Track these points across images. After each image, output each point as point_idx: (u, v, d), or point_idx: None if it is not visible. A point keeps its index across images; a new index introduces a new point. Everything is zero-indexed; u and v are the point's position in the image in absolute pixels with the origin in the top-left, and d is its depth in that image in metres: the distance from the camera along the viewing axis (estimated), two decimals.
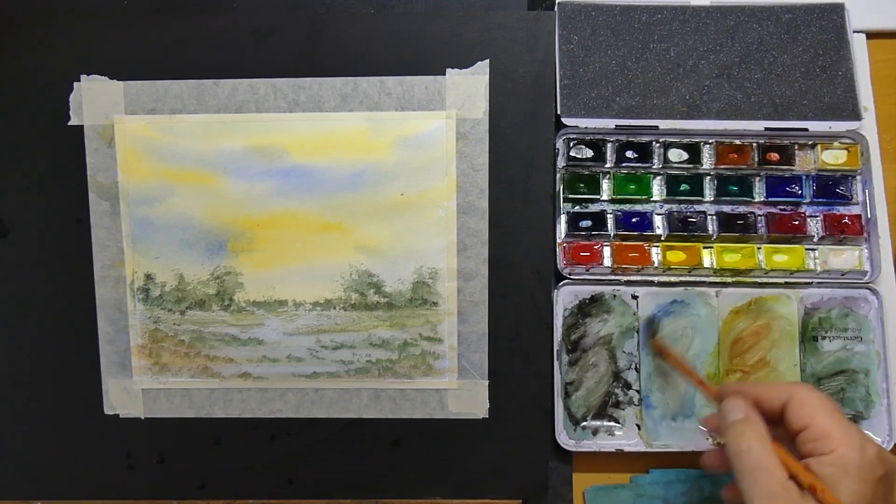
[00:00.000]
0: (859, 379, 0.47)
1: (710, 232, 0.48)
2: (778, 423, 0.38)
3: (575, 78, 0.49)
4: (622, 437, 0.47)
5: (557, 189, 0.48)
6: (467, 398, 0.48)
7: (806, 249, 0.48)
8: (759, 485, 0.35)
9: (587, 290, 0.48)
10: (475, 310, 0.48)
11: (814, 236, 0.48)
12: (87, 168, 0.48)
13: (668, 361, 0.46)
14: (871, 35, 0.50)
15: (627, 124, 0.48)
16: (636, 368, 0.48)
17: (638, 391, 0.48)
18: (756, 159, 0.48)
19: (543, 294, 0.48)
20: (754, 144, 0.48)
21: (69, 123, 0.48)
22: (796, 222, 0.48)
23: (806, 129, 0.48)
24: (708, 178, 0.49)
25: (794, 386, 0.38)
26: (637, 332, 0.48)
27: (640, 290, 0.48)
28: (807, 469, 0.35)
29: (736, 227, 0.48)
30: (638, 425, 0.47)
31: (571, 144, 0.48)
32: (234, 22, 0.48)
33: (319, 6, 0.49)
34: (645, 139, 0.48)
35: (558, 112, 0.48)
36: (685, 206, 0.49)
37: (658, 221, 0.49)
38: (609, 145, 0.48)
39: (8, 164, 0.49)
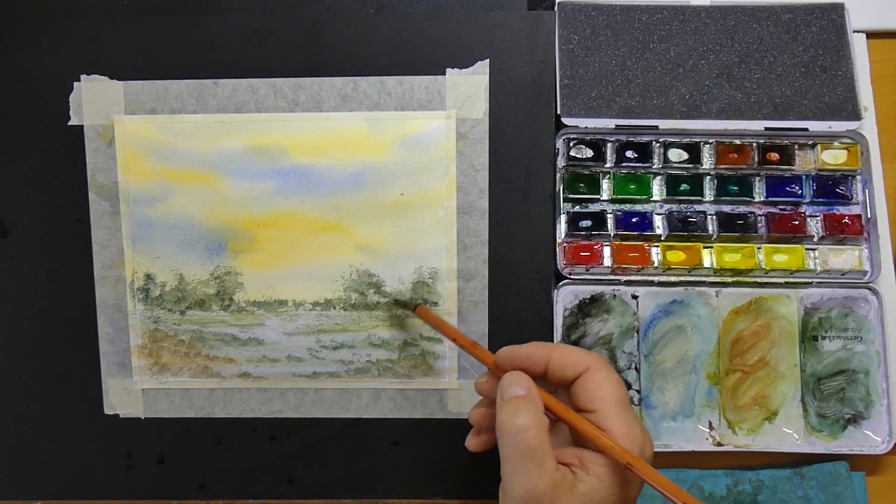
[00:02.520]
0: (859, 379, 0.47)
1: (710, 232, 0.48)
2: (558, 388, 0.36)
3: (575, 78, 0.49)
4: None
5: (557, 189, 0.48)
6: (467, 398, 0.48)
7: (806, 249, 0.48)
8: (526, 476, 0.32)
9: (587, 290, 0.48)
10: (475, 310, 0.48)
11: (814, 236, 0.48)
12: (87, 168, 0.48)
13: (439, 329, 0.43)
14: (871, 35, 0.50)
15: (627, 124, 0.48)
16: (636, 368, 0.48)
17: (638, 391, 0.48)
18: (756, 159, 0.48)
19: (543, 294, 0.48)
20: (754, 144, 0.48)
21: (69, 123, 0.48)
22: (796, 222, 0.48)
23: (806, 129, 0.48)
24: (708, 178, 0.49)
25: (591, 359, 0.35)
26: (637, 332, 0.48)
27: (640, 290, 0.48)
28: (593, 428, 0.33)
29: (736, 227, 0.48)
30: None
31: (571, 144, 0.48)
32: (234, 22, 0.48)
33: (319, 6, 0.49)
34: (645, 139, 0.48)
35: (558, 112, 0.48)
36: (685, 206, 0.49)
37: (658, 221, 0.49)
38: (609, 145, 0.48)
39: (8, 164, 0.49)
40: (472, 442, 0.39)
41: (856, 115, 0.48)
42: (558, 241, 0.48)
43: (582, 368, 0.35)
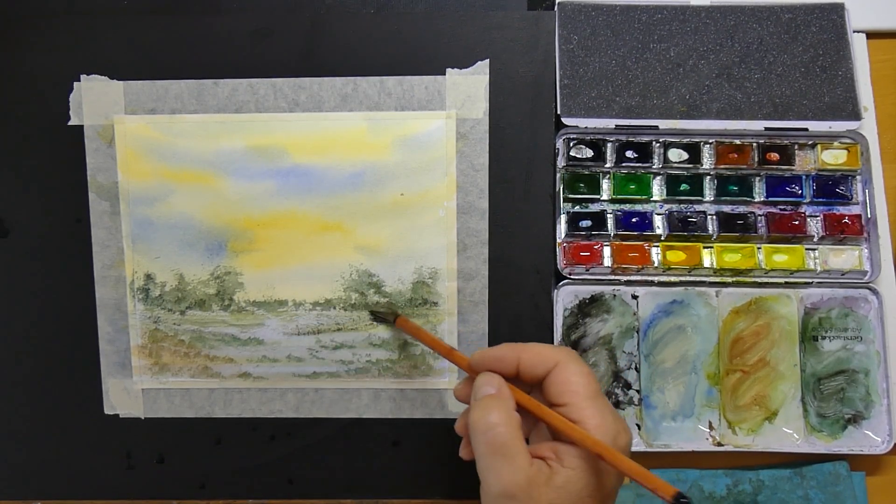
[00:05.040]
0: (859, 379, 0.47)
1: (710, 232, 0.48)
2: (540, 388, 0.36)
3: (575, 78, 0.49)
4: None
5: (557, 189, 0.48)
6: None
7: (806, 249, 0.48)
8: (499, 472, 0.33)
9: (587, 290, 0.48)
10: (475, 310, 0.48)
11: (814, 236, 0.48)
12: (87, 168, 0.48)
13: (418, 338, 0.45)
14: (871, 35, 0.50)
15: (627, 124, 0.48)
16: (636, 368, 0.48)
17: (638, 391, 0.48)
18: (756, 159, 0.48)
19: (543, 294, 0.48)
20: (754, 144, 0.48)
21: (69, 123, 0.48)
22: (796, 222, 0.48)
23: (806, 129, 0.48)
24: (708, 178, 0.49)
25: (560, 355, 0.35)
26: (637, 332, 0.48)
27: (640, 290, 0.48)
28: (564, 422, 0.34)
29: (736, 227, 0.48)
30: (638, 425, 0.47)
31: (571, 144, 0.48)
32: (234, 22, 0.48)
33: (319, 6, 0.49)
34: (645, 139, 0.48)
35: (558, 112, 0.48)
36: (685, 206, 0.49)
37: (658, 221, 0.49)
38: (609, 145, 0.48)
39: (8, 164, 0.49)
40: (465, 451, 0.39)
41: (856, 115, 0.48)
42: (558, 241, 0.48)
43: (551, 364, 0.35)
